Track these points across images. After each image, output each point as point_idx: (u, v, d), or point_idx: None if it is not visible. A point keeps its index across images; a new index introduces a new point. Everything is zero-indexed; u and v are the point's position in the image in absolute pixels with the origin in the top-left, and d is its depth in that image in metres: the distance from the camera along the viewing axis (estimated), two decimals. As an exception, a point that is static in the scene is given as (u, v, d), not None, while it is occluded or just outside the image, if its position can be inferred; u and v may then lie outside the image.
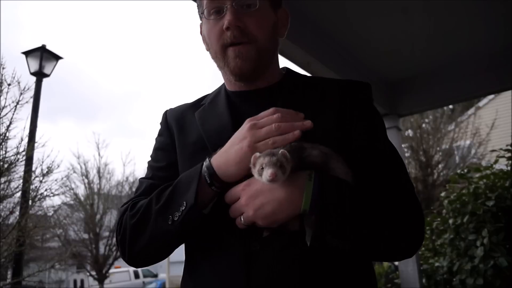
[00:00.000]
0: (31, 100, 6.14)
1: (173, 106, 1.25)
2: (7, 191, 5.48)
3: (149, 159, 1.20)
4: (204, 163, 0.96)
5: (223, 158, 0.94)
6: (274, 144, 0.89)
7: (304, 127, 0.91)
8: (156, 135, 1.23)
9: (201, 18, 1.14)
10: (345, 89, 1.08)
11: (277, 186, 0.88)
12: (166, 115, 1.22)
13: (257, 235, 0.93)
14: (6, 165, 5.18)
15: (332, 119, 1.02)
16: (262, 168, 0.84)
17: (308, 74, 2.95)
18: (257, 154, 0.86)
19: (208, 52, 1.15)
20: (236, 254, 0.95)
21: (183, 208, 0.92)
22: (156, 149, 1.19)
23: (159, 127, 1.23)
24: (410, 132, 10.14)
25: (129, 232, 1.01)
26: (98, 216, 13.35)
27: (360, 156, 1.00)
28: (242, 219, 0.91)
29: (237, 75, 1.07)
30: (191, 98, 1.25)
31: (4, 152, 5.19)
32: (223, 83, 1.20)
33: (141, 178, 1.17)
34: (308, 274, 0.92)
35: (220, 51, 1.06)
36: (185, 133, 1.14)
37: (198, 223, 0.96)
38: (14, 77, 5.17)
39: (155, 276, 21.41)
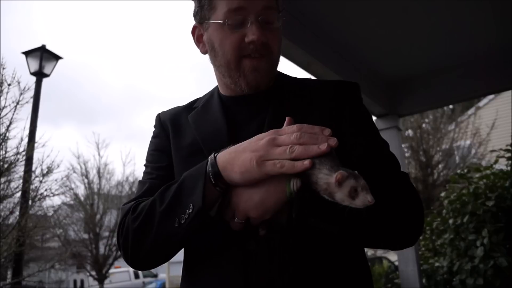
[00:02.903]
0: (31, 100, 6.14)
1: (165, 110, 1.24)
2: (7, 191, 5.48)
3: (145, 162, 1.19)
4: (209, 160, 0.92)
5: (230, 159, 0.90)
6: (281, 169, 0.84)
7: (320, 151, 0.84)
8: (151, 138, 1.21)
9: (202, 20, 1.11)
10: (334, 90, 1.10)
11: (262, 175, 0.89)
12: (160, 117, 1.21)
13: (253, 234, 0.93)
14: (6, 165, 5.18)
15: (321, 121, 1.02)
16: (355, 191, 0.78)
17: (308, 74, 2.96)
18: (343, 172, 0.79)
19: (206, 56, 1.13)
20: (233, 253, 0.96)
21: (190, 211, 0.90)
22: (154, 150, 1.18)
23: (153, 130, 1.22)
24: (410, 132, 10.14)
25: (132, 236, 0.99)
26: (98, 216, 13.34)
27: (354, 153, 1.01)
28: (235, 217, 0.91)
29: (253, 88, 1.07)
30: (191, 99, 1.25)
31: (4, 152, 5.19)
32: (216, 86, 1.19)
33: (141, 180, 1.15)
34: (305, 271, 0.93)
35: (235, 61, 1.05)
36: (180, 136, 1.13)
37: (206, 225, 0.94)
38: (14, 77, 5.19)
39: (155, 276, 21.42)
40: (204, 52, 1.14)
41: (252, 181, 0.88)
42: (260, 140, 0.89)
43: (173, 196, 0.94)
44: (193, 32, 1.15)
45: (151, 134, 1.22)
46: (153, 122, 1.23)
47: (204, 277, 1.01)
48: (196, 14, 1.12)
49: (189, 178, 0.94)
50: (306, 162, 0.83)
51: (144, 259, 1.02)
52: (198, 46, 1.15)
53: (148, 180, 1.12)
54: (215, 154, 0.93)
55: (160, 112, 1.23)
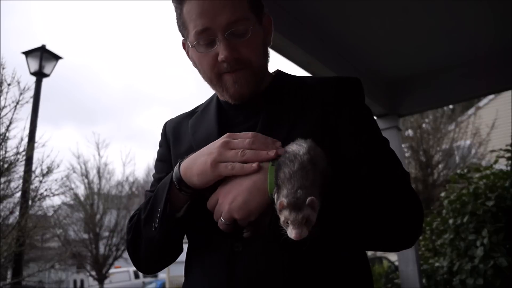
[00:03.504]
0: (31, 100, 6.14)
1: (173, 117, 1.28)
2: (7, 191, 5.49)
3: (154, 172, 1.23)
4: (175, 167, 1.00)
5: (189, 165, 0.97)
6: (232, 170, 0.91)
7: (268, 157, 0.91)
8: (158, 147, 1.26)
9: (183, 37, 1.13)
10: (334, 87, 1.08)
11: (245, 177, 0.92)
12: (166, 126, 1.25)
13: (240, 236, 0.95)
14: (6, 165, 5.18)
15: (316, 119, 1.03)
16: (287, 223, 0.80)
17: (308, 74, 2.96)
18: (284, 201, 0.80)
19: (196, 69, 1.15)
20: (220, 255, 0.98)
21: (159, 215, 0.98)
22: (157, 161, 1.23)
23: (160, 138, 1.26)
24: (410, 132, 10.14)
25: (130, 245, 1.08)
26: (98, 216, 13.35)
27: (353, 152, 1.00)
28: (222, 219, 0.93)
29: (238, 100, 1.08)
30: (191, 101, 1.26)
31: (4, 152, 5.19)
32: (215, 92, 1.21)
33: (146, 191, 1.20)
34: (291, 274, 0.92)
35: (216, 78, 1.07)
36: (179, 144, 1.17)
37: (178, 226, 1.02)
38: (14, 77, 5.19)
39: (155, 276, 21.41)
40: (194, 66, 1.15)
41: (208, 183, 0.95)
42: (215, 143, 0.96)
43: (150, 204, 1.02)
44: (183, 47, 1.17)
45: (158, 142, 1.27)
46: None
47: (195, 277, 1.05)
48: (179, 31, 1.13)
49: (161, 186, 1.02)
50: (254, 165, 0.90)
51: (145, 264, 1.11)
52: (189, 59, 1.17)
53: (150, 193, 1.16)
54: (181, 161, 1.00)
55: (167, 120, 1.26)
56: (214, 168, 0.93)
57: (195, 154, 0.99)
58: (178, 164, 1.00)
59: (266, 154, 0.91)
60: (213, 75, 1.07)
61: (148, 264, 1.11)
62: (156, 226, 0.98)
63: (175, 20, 1.12)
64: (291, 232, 0.79)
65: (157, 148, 1.26)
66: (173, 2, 1.10)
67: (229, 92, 1.07)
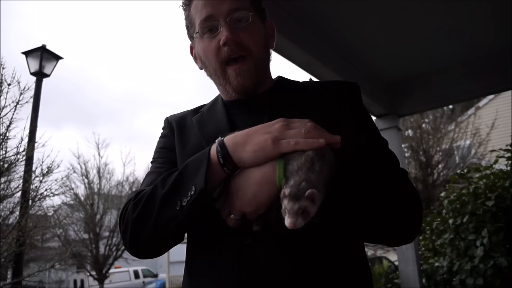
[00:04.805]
0: (31, 100, 6.14)
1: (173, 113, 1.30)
2: (7, 191, 5.49)
3: (153, 159, 1.22)
4: (216, 143, 0.95)
5: (241, 140, 0.93)
6: (296, 146, 0.88)
7: (333, 140, 0.90)
8: (159, 138, 1.26)
9: (191, 39, 1.19)
10: (334, 90, 1.13)
11: (253, 169, 0.92)
12: (168, 119, 1.26)
13: (248, 229, 0.95)
14: (6, 165, 5.18)
15: (319, 119, 1.03)
16: (285, 212, 0.82)
17: (308, 74, 2.96)
18: (286, 191, 0.82)
19: (202, 71, 1.19)
20: (228, 248, 0.98)
21: (192, 192, 0.90)
22: (162, 148, 1.22)
23: (161, 131, 1.27)
24: (410, 132, 10.14)
25: (131, 223, 0.98)
26: (98, 216, 13.37)
27: (354, 151, 1.01)
28: (232, 214, 0.93)
29: (240, 92, 1.12)
30: (190, 104, 1.30)
31: (4, 152, 5.20)
32: (219, 94, 1.25)
33: (149, 171, 1.18)
34: (299, 267, 0.94)
35: (220, 68, 1.11)
36: (184, 136, 1.18)
37: (207, 208, 0.94)
38: (14, 77, 5.19)
39: (155, 276, 21.42)
40: (200, 68, 1.20)
41: (263, 160, 0.91)
42: (271, 125, 0.94)
43: (175, 180, 0.95)
44: (191, 52, 1.24)
45: (159, 135, 1.27)
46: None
47: (200, 271, 1.04)
48: (188, 35, 1.21)
49: (192, 163, 0.96)
50: (322, 140, 0.87)
51: (142, 247, 1.01)
52: (196, 63, 1.22)
53: (157, 171, 1.14)
54: (222, 138, 0.96)
55: (168, 115, 1.29)
56: (275, 145, 0.90)
57: (245, 131, 0.95)
58: (220, 139, 0.95)
59: (331, 137, 0.90)
60: (217, 65, 1.10)
61: (147, 246, 1.00)
62: (183, 204, 0.91)
63: (184, 22, 1.19)
64: (286, 221, 0.81)
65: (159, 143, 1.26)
66: (182, 4, 1.18)
67: (232, 85, 1.10)
